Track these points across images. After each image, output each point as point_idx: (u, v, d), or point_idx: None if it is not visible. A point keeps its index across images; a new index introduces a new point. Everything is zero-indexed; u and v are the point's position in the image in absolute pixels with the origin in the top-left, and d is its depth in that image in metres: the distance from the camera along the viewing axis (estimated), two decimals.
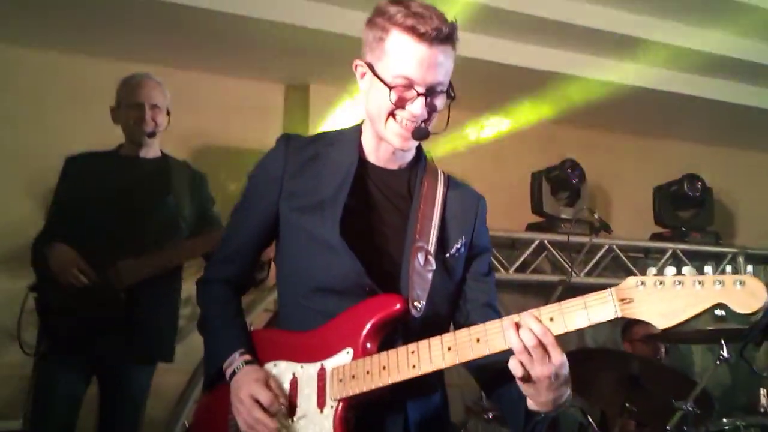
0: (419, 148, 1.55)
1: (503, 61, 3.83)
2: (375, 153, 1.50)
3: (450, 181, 1.55)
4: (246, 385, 1.37)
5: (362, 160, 1.49)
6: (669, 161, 4.87)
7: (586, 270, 4.29)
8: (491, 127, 4.60)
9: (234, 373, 1.42)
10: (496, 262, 4.10)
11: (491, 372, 1.40)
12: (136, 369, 2.59)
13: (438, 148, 3.88)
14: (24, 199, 3.13)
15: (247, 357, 1.44)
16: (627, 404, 2.69)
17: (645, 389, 2.67)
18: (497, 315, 1.37)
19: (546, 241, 4.23)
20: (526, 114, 4.54)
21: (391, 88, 1.37)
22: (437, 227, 1.46)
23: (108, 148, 2.76)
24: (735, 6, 3.69)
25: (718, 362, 2.46)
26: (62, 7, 3.21)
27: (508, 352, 1.22)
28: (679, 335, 2.87)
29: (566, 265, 4.12)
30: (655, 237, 4.68)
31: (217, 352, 1.49)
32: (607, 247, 4.35)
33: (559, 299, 1.23)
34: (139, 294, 2.52)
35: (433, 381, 1.46)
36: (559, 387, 1.22)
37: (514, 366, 1.20)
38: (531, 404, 1.27)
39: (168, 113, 2.75)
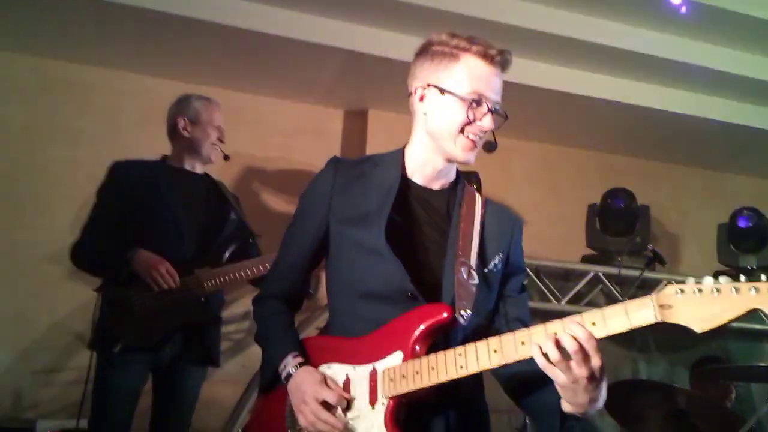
0: (458, 171, 1.67)
1: (562, 89, 3.86)
2: (420, 172, 1.62)
3: (488, 203, 1.66)
4: (309, 386, 1.47)
5: (405, 179, 1.61)
6: (735, 196, 4.76)
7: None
8: (549, 157, 4.63)
9: (289, 375, 1.52)
10: (547, 292, 4.10)
11: (522, 379, 1.47)
12: (193, 371, 2.71)
13: (493, 178, 3.95)
14: None
15: (300, 359, 1.54)
16: None
17: (692, 425, 2.62)
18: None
19: (601, 274, 4.20)
20: (585, 144, 4.54)
21: (466, 102, 1.51)
22: (477, 244, 1.56)
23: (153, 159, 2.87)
24: None
25: None
26: (139, 32, 3.43)
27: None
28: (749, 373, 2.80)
29: (619, 298, 4.07)
30: (719, 275, 4.53)
31: (272, 358, 1.59)
32: (665, 281, 4.25)
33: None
34: (208, 302, 2.67)
35: (476, 390, 1.55)
36: (596, 389, 1.27)
37: (548, 366, 1.26)
38: (567, 406, 1.32)
39: None
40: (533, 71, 3.73)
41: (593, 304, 4.13)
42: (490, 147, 1.57)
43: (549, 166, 4.62)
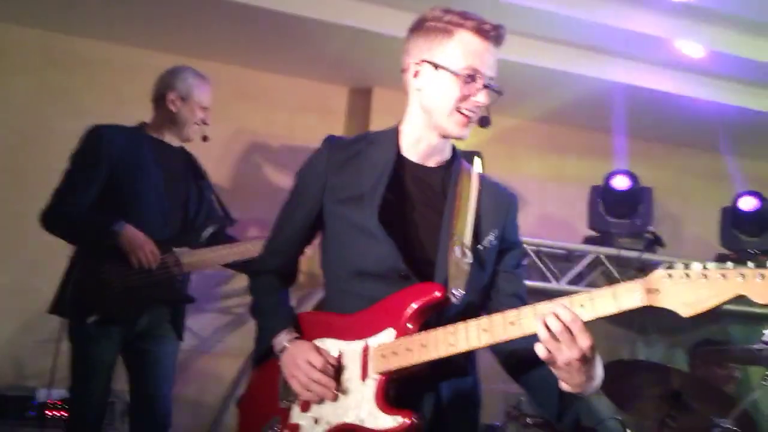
0: (454, 148, 1.67)
1: (566, 68, 3.83)
2: (414, 149, 1.62)
3: (483, 179, 1.66)
4: (301, 353, 1.50)
5: (400, 156, 1.61)
6: (739, 179, 4.71)
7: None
8: (553, 137, 4.61)
9: (284, 348, 1.55)
10: (548, 273, 4.12)
11: (521, 356, 1.49)
12: (164, 344, 2.72)
13: (497, 158, 3.94)
14: None
15: (295, 334, 1.58)
16: (667, 419, 2.68)
17: (687, 405, 2.65)
18: (524, 305, 1.42)
19: (601, 255, 4.21)
20: (589, 124, 4.52)
21: (459, 77, 1.50)
22: (472, 221, 1.57)
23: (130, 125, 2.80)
24: None
25: (764, 381, 2.43)
26: (144, 7, 3.43)
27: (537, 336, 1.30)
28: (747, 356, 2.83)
29: (619, 280, 4.09)
30: (721, 258, 4.56)
31: (266, 331, 1.62)
32: (666, 263, 4.25)
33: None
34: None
35: (467, 366, 1.57)
36: (590, 368, 1.30)
37: (540, 350, 1.28)
38: (564, 386, 1.34)
39: None
40: (536, 50, 3.70)
41: (593, 286, 4.13)
42: (484, 122, 1.56)
43: (553, 146, 4.60)
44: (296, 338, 1.56)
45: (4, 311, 3.44)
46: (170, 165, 2.76)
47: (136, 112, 3.61)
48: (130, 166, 2.66)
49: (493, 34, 1.52)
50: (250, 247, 2.70)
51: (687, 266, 1.21)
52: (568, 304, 1.27)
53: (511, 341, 1.34)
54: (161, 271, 2.61)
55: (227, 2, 3.31)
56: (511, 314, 1.33)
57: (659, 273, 1.23)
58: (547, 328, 1.26)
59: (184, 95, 2.80)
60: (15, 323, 3.47)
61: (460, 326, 1.38)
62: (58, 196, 2.64)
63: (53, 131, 3.66)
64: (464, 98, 1.52)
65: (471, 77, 1.51)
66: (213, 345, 2.90)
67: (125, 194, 2.64)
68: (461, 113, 1.53)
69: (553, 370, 1.31)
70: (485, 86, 1.52)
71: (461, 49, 1.51)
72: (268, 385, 1.60)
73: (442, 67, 1.52)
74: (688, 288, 1.19)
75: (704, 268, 1.19)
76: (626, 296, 1.24)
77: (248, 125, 3.87)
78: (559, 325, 1.25)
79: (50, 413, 2.93)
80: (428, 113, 1.58)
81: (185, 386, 2.77)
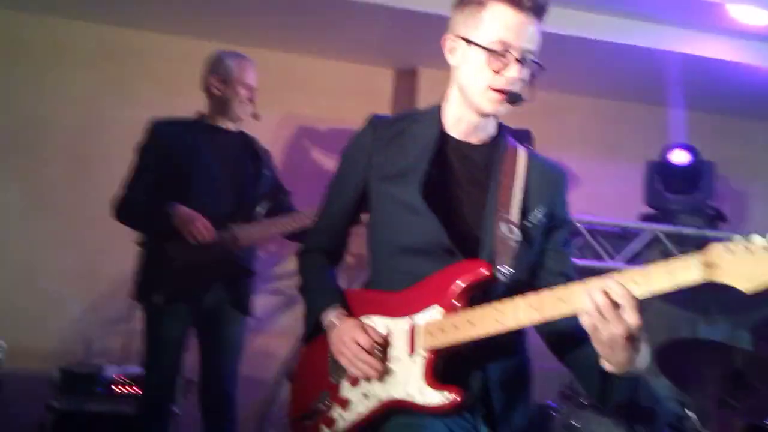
0: (500, 124, 1.63)
1: (617, 41, 3.71)
2: (457, 127, 1.59)
3: (531, 155, 1.63)
4: (348, 331, 1.52)
5: (444, 134, 1.60)
6: None
7: None
8: (605, 112, 4.49)
9: (332, 324, 1.57)
10: (603, 252, 4.03)
11: (565, 334, 1.46)
12: (233, 320, 2.82)
13: (547, 136, 3.87)
14: None
15: (342, 311, 1.59)
16: (729, 400, 2.60)
17: (749, 385, 2.56)
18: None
19: (659, 233, 4.09)
20: (643, 98, 4.37)
21: (489, 52, 1.46)
22: (519, 199, 1.54)
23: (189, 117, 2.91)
24: None
25: None
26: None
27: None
28: None
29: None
30: None
31: (314, 308, 1.64)
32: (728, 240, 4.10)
33: None
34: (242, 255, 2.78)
35: (515, 344, 1.55)
36: (634, 348, 1.26)
37: (585, 323, 1.25)
38: (606, 365, 1.31)
39: None
40: (588, 22, 3.59)
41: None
42: (512, 98, 1.48)
43: (605, 122, 4.48)
44: (343, 315, 1.58)
45: (72, 293, 3.62)
46: (224, 148, 2.85)
47: (188, 99, 3.70)
48: (183, 153, 2.77)
49: (528, 4, 1.45)
50: (304, 217, 2.75)
51: (748, 239, 1.14)
52: (621, 280, 1.24)
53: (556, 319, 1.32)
54: (219, 246, 2.70)
55: None
56: (560, 291, 1.31)
57: (717, 247, 1.16)
58: (594, 302, 1.23)
59: (225, 77, 2.87)
60: (83, 304, 3.64)
61: (508, 303, 1.36)
62: (124, 187, 2.82)
63: (111, 120, 3.80)
64: (496, 74, 1.47)
65: (503, 51, 1.46)
66: (267, 324, 2.97)
67: (180, 180, 2.76)
68: (495, 90, 1.49)
69: (596, 345, 1.28)
70: (519, 60, 1.46)
71: (493, 22, 1.46)
72: (318, 361, 1.62)
73: (474, 43, 1.48)
74: (749, 262, 1.12)
75: (766, 239, 1.12)
76: (683, 271, 1.18)
77: (295, 110, 3.92)
78: (605, 300, 1.22)
79: (118, 389, 3.05)
80: (462, 91, 1.55)
81: (241, 364, 2.87)
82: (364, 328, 1.52)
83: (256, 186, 2.88)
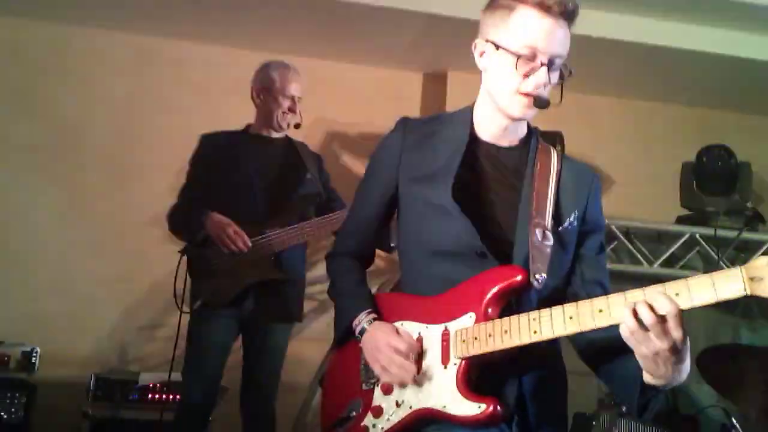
0: (531, 127, 1.61)
1: (650, 42, 3.65)
2: (487, 130, 1.58)
3: (563, 159, 1.60)
4: (383, 336, 1.49)
5: (474, 136, 1.58)
6: None
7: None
8: (639, 113, 4.41)
9: (363, 330, 1.54)
10: (639, 255, 3.95)
11: (600, 346, 1.42)
12: (276, 326, 2.84)
13: (581, 138, 3.81)
14: None
15: (374, 315, 1.57)
16: None
17: None
18: (605, 293, 1.37)
19: (697, 235, 3.99)
20: (678, 99, 4.29)
21: (517, 57, 1.44)
22: (552, 203, 1.51)
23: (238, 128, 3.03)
24: None
25: None
26: (227, 7, 3.56)
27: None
28: None
29: (718, 260, 3.87)
30: None
31: (345, 313, 1.62)
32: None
33: None
34: (281, 260, 2.79)
35: (550, 352, 1.51)
36: (679, 361, 1.23)
37: (626, 337, 1.21)
38: (647, 377, 1.28)
39: None
40: (621, 25, 3.54)
41: (689, 268, 3.96)
42: (539, 103, 1.47)
43: (640, 123, 4.39)
44: (375, 319, 1.55)
45: (107, 299, 3.65)
46: (265, 157, 2.93)
47: (224, 107, 3.76)
48: (226, 164, 2.87)
49: (557, 9, 1.43)
50: (336, 220, 2.77)
51: None
52: (665, 292, 1.19)
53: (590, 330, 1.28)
54: (253, 252, 2.73)
55: None
56: (599, 302, 1.27)
57: (762, 260, 1.13)
58: (636, 317, 1.19)
59: (266, 87, 2.96)
60: (118, 310, 3.68)
61: (544, 313, 1.33)
62: (177, 198, 2.94)
63: (148, 128, 3.86)
64: (524, 78, 1.46)
65: (530, 56, 1.44)
66: (299, 330, 2.98)
67: (220, 188, 2.85)
68: (523, 94, 1.47)
69: (639, 358, 1.24)
70: (547, 64, 1.44)
71: (522, 26, 1.45)
72: (349, 367, 1.60)
73: (502, 47, 1.47)
74: None
75: None
76: (726, 284, 1.15)
77: (326, 115, 3.94)
78: (651, 315, 1.18)
79: (152, 396, 3.07)
80: (491, 94, 1.54)
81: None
82: (399, 333, 1.49)
83: (294, 190, 2.90)
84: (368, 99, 4.10)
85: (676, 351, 1.20)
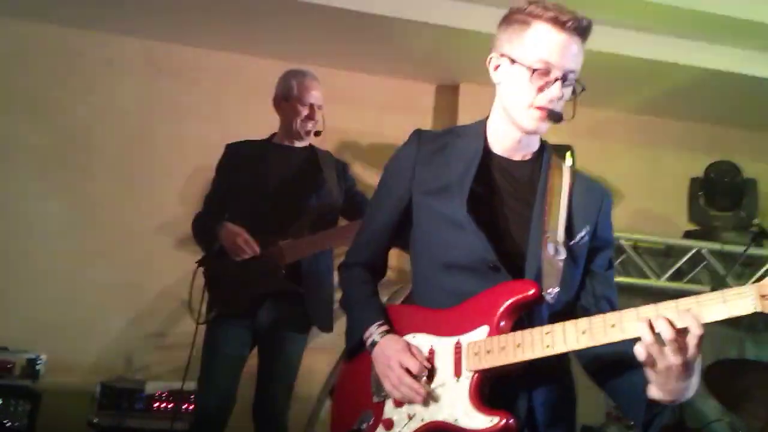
0: (543, 142, 1.63)
1: (660, 58, 3.67)
2: (500, 143, 1.59)
3: (574, 174, 1.61)
4: (393, 353, 1.50)
5: (487, 150, 1.59)
6: None
7: (750, 283, 3.97)
8: (648, 129, 4.42)
9: (374, 342, 1.55)
10: (646, 269, 3.95)
11: (606, 361, 1.43)
12: (291, 336, 2.82)
13: (590, 152, 3.83)
14: (207, 184, 3.31)
15: (386, 328, 1.57)
16: None
17: None
18: (613, 309, 1.39)
19: (704, 250, 4.00)
20: (686, 115, 4.31)
21: (532, 71, 1.46)
22: (564, 218, 1.52)
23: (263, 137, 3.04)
24: None
25: None
26: (240, 14, 3.56)
27: (631, 341, 1.24)
28: None
29: (725, 276, 3.86)
30: None
31: (357, 324, 1.62)
32: None
33: None
34: (299, 270, 2.78)
35: (561, 365, 1.53)
36: (689, 377, 1.24)
37: (640, 353, 1.22)
38: (655, 392, 1.28)
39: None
40: (631, 40, 3.56)
41: (696, 282, 3.96)
42: (553, 117, 1.50)
43: (648, 138, 4.40)
44: (387, 332, 1.56)
45: (114, 307, 3.63)
46: (286, 166, 2.93)
47: (234, 115, 3.77)
48: (246, 173, 2.89)
49: (571, 25, 1.45)
50: (350, 231, 2.72)
51: None
52: (678, 308, 1.20)
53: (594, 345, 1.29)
54: (264, 262, 2.73)
55: (316, 6, 3.38)
56: (612, 317, 1.28)
57: None
58: (653, 331, 1.20)
59: (286, 96, 2.97)
60: (124, 318, 3.65)
61: (557, 327, 1.34)
62: (202, 206, 2.96)
63: (158, 135, 3.85)
64: (538, 92, 1.48)
65: (545, 70, 1.46)
66: (309, 340, 2.97)
67: (237, 198, 2.87)
68: (536, 108, 1.49)
69: (649, 374, 1.25)
70: (561, 79, 1.47)
71: (536, 41, 1.47)
72: (361, 379, 1.61)
73: (517, 62, 1.49)
74: None
75: None
76: (738, 302, 1.16)
77: (338, 125, 3.93)
78: (671, 330, 1.18)
79: (158, 405, 3.05)
80: (505, 108, 1.56)
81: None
82: (411, 351, 1.50)
83: (310, 201, 2.89)
84: (380, 109, 4.11)
85: (688, 367, 1.21)
